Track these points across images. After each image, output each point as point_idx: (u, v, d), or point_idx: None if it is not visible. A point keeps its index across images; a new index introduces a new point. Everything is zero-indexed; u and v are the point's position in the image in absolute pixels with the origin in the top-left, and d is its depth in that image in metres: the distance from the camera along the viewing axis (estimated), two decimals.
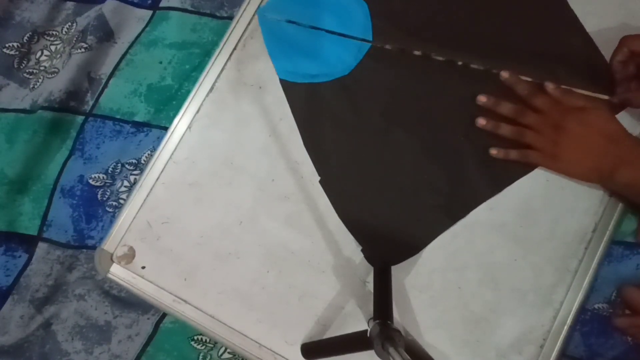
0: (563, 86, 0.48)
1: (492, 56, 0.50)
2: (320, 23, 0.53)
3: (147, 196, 0.52)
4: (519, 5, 0.51)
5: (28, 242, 0.62)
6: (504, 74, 0.48)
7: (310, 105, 0.52)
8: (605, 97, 0.48)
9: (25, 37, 0.70)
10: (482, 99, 0.49)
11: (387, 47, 0.52)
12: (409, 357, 0.34)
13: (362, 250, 0.49)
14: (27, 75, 0.69)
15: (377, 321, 0.41)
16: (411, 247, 0.49)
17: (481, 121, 0.48)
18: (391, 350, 0.35)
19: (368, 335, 0.40)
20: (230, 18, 0.65)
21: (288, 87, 0.53)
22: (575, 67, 0.49)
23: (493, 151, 0.48)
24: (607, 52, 0.49)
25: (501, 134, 0.48)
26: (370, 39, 0.53)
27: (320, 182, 0.51)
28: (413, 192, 0.50)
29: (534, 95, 0.47)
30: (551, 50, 0.50)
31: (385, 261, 0.48)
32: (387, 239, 0.49)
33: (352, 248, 0.50)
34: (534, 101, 0.47)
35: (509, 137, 0.48)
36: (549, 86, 0.47)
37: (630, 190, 0.45)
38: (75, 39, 0.68)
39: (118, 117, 0.65)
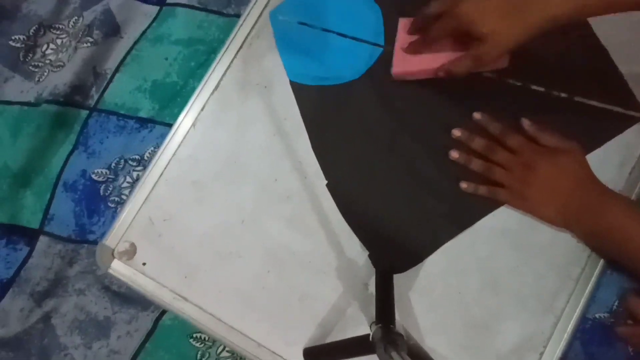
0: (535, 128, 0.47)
1: None
2: (333, 26, 0.53)
3: (150, 193, 0.52)
4: None
5: (30, 236, 0.62)
6: (476, 115, 0.48)
7: (320, 108, 0.52)
8: (616, 108, 0.48)
9: (32, 30, 0.70)
10: (456, 132, 0.49)
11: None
12: None
13: (369, 256, 0.49)
14: (33, 69, 0.69)
15: (380, 325, 0.40)
16: (417, 255, 0.49)
17: (454, 154, 0.48)
18: (394, 354, 0.35)
19: (370, 339, 0.40)
20: (237, 16, 0.65)
21: (298, 89, 0.53)
22: (586, 77, 0.49)
23: (463, 185, 0.48)
24: (618, 60, 0.49)
25: (472, 168, 0.48)
26: (382, 44, 0.52)
27: (327, 185, 0.51)
28: (420, 200, 0.49)
29: (507, 135, 0.47)
30: (563, 59, 0.50)
31: (391, 268, 0.48)
32: (394, 245, 0.49)
33: (354, 250, 0.50)
34: (506, 140, 0.47)
35: (479, 172, 0.48)
36: (525, 122, 0.47)
37: (591, 239, 0.45)
38: (81, 33, 0.68)
39: (122, 112, 0.65)
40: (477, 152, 0.48)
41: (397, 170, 0.50)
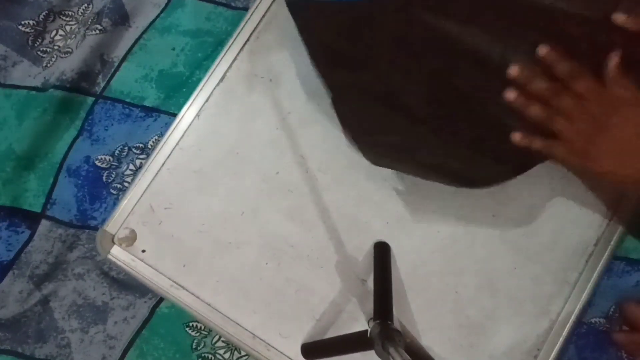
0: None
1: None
2: None
3: (152, 181, 0.53)
4: None
5: (31, 219, 0.63)
6: (542, 50, 0.38)
7: (326, 28, 0.47)
8: None
9: (41, 16, 0.70)
10: (513, 70, 0.39)
11: None
12: (409, 357, 0.34)
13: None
14: (41, 54, 0.70)
15: (378, 321, 0.40)
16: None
17: (509, 94, 0.39)
18: (391, 350, 0.35)
19: (368, 335, 0.40)
20: (246, 9, 0.66)
21: (297, 9, 0.47)
22: None
23: (516, 136, 0.40)
24: None
25: (528, 114, 0.39)
26: None
27: (332, 100, 0.48)
28: (447, 139, 0.44)
29: (577, 77, 0.38)
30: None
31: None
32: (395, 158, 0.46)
33: (352, 246, 0.50)
34: (577, 84, 0.38)
35: (538, 120, 0.39)
36: (612, 61, 0.36)
37: None
38: (90, 20, 0.69)
39: (128, 100, 0.65)
40: (536, 96, 0.39)
41: (400, 92, 0.45)
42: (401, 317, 0.48)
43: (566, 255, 0.47)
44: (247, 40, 0.55)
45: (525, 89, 0.39)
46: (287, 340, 0.49)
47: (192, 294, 0.50)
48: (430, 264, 0.49)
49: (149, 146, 0.63)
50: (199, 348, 0.57)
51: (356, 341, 0.41)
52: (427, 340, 0.48)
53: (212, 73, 0.54)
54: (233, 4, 0.67)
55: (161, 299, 0.59)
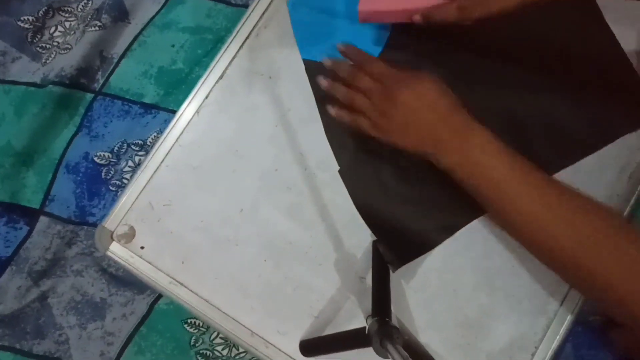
0: None
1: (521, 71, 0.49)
2: (344, 13, 0.53)
3: (151, 177, 0.53)
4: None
5: (30, 215, 0.63)
6: (341, 46, 0.47)
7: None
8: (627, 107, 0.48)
9: (41, 12, 0.70)
10: (327, 62, 0.48)
11: (406, 40, 0.52)
12: (407, 354, 0.34)
13: (376, 242, 0.49)
14: (40, 50, 0.69)
15: (376, 318, 0.41)
16: (425, 244, 0.48)
17: (322, 81, 0.47)
18: (389, 347, 0.35)
19: (366, 332, 0.40)
20: (245, 6, 0.66)
21: (311, 67, 0.52)
22: (604, 76, 0.49)
23: (331, 110, 0.47)
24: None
25: (337, 95, 0.46)
26: (389, 32, 0.52)
27: (340, 172, 0.50)
28: (431, 188, 0.49)
29: (370, 62, 0.45)
30: (580, 56, 0.49)
31: (399, 257, 0.48)
32: (403, 233, 0.49)
33: (351, 243, 0.50)
34: (370, 67, 0.45)
35: (342, 99, 0.46)
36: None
37: (451, 173, 0.42)
38: (90, 16, 0.69)
39: (127, 97, 0.65)
40: (343, 80, 0.47)
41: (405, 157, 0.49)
42: (399, 314, 0.48)
43: None
44: (247, 37, 0.55)
45: (335, 76, 0.47)
46: (286, 337, 0.49)
47: (191, 290, 0.50)
48: (428, 261, 0.49)
49: (148, 143, 0.63)
50: (197, 344, 0.57)
51: (354, 338, 0.41)
52: (425, 337, 0.48)
53: (211, 70, 0.54)
54: (233, 1, 0.67)
55: (160, 296, 0.59)
